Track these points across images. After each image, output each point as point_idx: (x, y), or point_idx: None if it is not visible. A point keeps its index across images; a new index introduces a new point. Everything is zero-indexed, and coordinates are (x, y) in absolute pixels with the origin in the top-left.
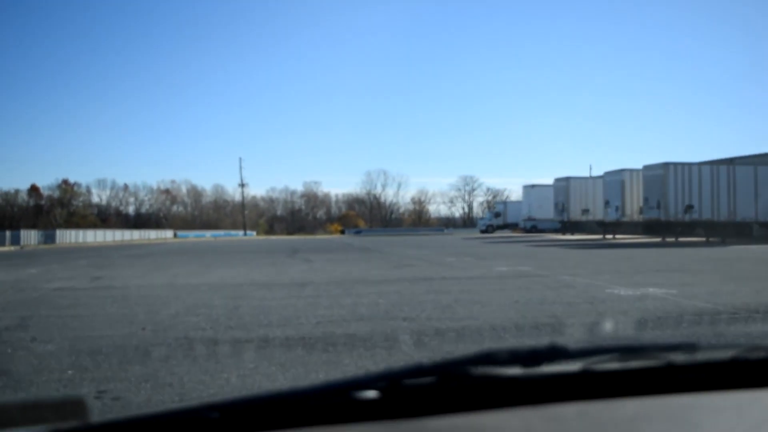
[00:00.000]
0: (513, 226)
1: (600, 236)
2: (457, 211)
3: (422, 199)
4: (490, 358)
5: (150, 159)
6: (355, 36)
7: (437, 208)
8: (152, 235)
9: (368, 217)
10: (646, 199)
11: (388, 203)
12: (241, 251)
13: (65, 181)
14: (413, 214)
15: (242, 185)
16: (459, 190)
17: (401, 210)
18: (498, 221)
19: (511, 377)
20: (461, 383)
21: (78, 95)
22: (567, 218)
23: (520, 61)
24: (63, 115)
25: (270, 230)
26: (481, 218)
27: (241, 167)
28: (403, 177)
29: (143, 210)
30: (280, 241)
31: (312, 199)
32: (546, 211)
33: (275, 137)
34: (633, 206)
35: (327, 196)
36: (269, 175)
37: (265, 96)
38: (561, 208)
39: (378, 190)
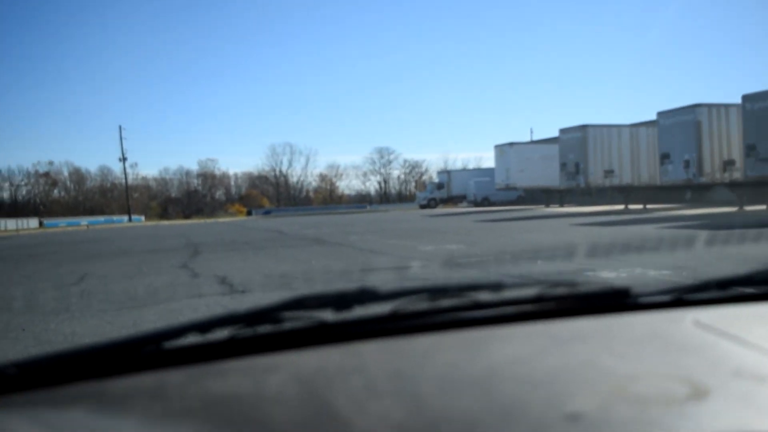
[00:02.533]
0: (458, 200)
1: (640, 206)
2: (372, 185)
3: (333, 174)
4: (300, 303)
5: (25, 140)
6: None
7: (349, 184)
8: (10, 225)
9: (274, 196)
10: (750, 147)
11: (295, 180)
12: (88, 255)
13: None
14: (324, 192)
15: (123, 159)
16: (373, 163)
17: (311, 187)
18: (441, 194)
19: (320, 321)
20: (272, 328)
21: None
22: (584, 183)
23: (435, 30)
24: None
25: (164, 214)
26: (421, 191)
27: (121, 138)
28: (311, 150)
29: (20, 196)
30: (173, 229)
31: (209, 178)
32: (531, 176)
33: (167, 113)
34: (715, 160)
35: (225, 175)
36: (162, 154)
37: (154, 68)
38: (574, 169)
39: (284, 166)
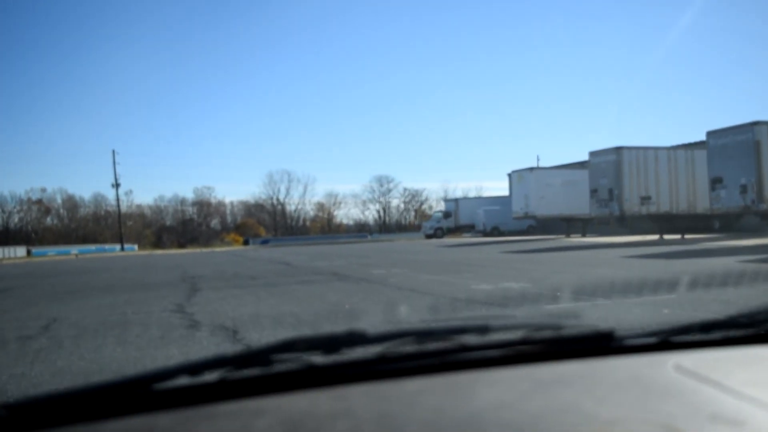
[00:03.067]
0: (466, 229)
1: (677, 236)
2: (371, 214)
3: (331, 202)
4: (290, 345)
5: (17, 165)
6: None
7: (347, 213)
8: None
9: (271, 225)
10: None
11: (293, 209)
12: (68, 291)
13: None
14: (321, 221)
15: (116, 185)
16: (373, 191)
17: (309, 216)
18: (448, 223)
19: (309, 364)
20: (262, 371)
21: None
22: (618, 210)
23: (436, 58)
24: None
25: (158, 243)
26: (427, 221)
27: (114, 163)
28: (309, 178)
29: (12, 224)
30: (167, 259)
31: (205, 206)
32: (552, 203)
33: (163, 140)
34: None
35: (221, 203)
36: (158, 182)
37: (150, 94)
38: (607, 195)
39: (282, 194)
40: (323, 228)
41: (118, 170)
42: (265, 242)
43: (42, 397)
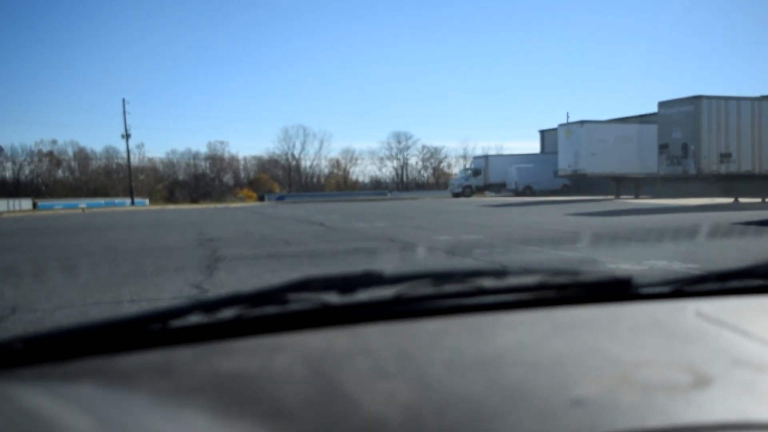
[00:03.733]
0: (496, 188)
1: (753, 200)
2: (388, 172)
3: (347, 159)
4: (305, 285)
5: (28, 117)
6: None
7: (364, 170)
8: (0, 206)
9: (285, 181)
10: None
11: (308, 165)
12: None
13: None
14: (337, 177)
15: (126, 135)
16: (390, 148)
17: (324, 172)
18: (477, 181)
19: (325, 303)
20: (278, 309)
21: None
22: (694, 169)
23: (458, 14)
24: None
25: (170, 197)
26: (455, 178)
27: (125, 112)
28: (326, 134)
29: (22, 176)
30: (180, 216)
31: (218, 161)
32: (605, 161)
33: (177, 94)
34: None
35: (234, 158)
36: (171, 136)
37: (164, 47)
38: (681, 152)
39: (297, 150)
40: (338, 185)
41: (128, 121)
42: (281, 198)
43: (58, 330)
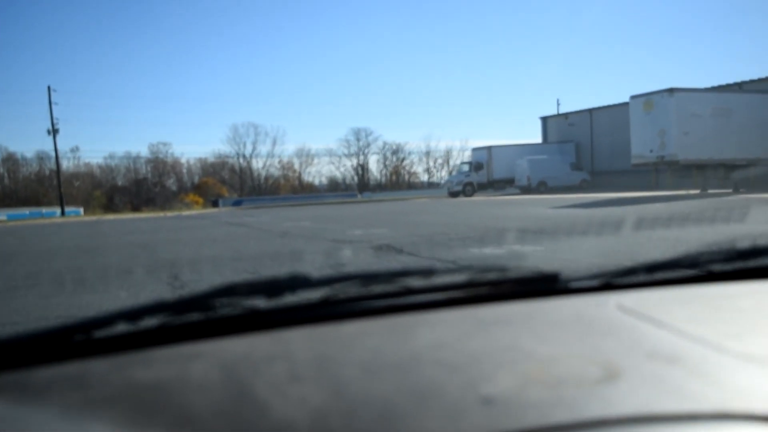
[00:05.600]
0: (501, 185)
1: None
2: (348, 172)
3: (303, 159)
4: (231, 290)
5: None
6: None
7: (319, 170)
8: None
9: (235, 184)
10: None
11: (260, 166)
12: None
13: None
14: (292, 179)
15: (53, 131)
16: (349, 145)
17: (277, 174)
18: (479, 177)
19: (251, 308)
20: (203, 316)
21: None
22: None
23: (417, 7)
24: None
25: (109, 205)
26: (453, 175)
27: (51, 102)
28: (279, 131)
29: None
30: (121, 229)
31: (160, 165)
32: (702, 143)
33: (114, 92)
34: None
35: (177, 162)
36: (108, 140)
37: (100, 40)
38: None
39: (248, 150)
40: (294, 188)
41: (58, 118)
42: (238, 203)
43: None
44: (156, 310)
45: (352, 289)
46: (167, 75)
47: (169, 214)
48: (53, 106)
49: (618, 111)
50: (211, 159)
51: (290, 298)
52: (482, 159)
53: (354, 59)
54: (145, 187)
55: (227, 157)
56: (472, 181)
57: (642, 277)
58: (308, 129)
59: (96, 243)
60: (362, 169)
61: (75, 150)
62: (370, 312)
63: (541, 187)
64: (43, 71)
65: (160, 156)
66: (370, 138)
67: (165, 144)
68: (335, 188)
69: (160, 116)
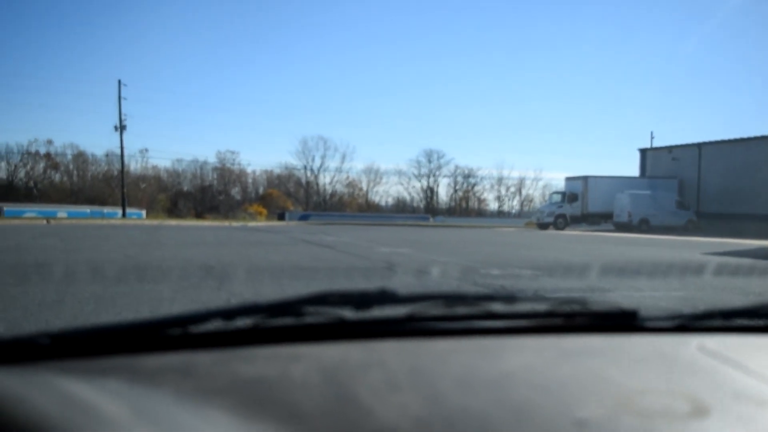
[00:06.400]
0: (595, 219)
1: None
2: (416, 193)
3: (372, 177)
4: (323, 299)
5: (24, 115)
6: None
7: (387, 190)
8: None
9: (301, 197)
10: None
11: (327, 181)
12: None
13: None
14: (359, 196)
15: (121, 127)
16: (420, 166)
17: (344, 190)
18: (573, 209)
19: (340, 317)
20: (294, 321)
21: None
22: None
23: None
24: None
25: (173, 210)
26: (543, 204)
27: (120, 97)
28: (349, 148)
29: (18, 177)
30: (182, 237)
31: (227, 173)
32: None
33: (186, 96)
34: None
35: (243, 172)
36: (178, 143)
37: (175, 45)
38: None
39: (316, 164)
40: (360, 206)
41: (128, 119)
42: (305, 217)
43: (84, 328)
44: (250, 311)
45: (437, 309)
46: (240, 82)
47: (234, 224)
48: (123, 102)
49: (735, 148)
50: (276, 171)
51: (377, 312)
52: (577, 189)
53: (429, 79)
54: (209, 195)
55: (294, 169)
56: (565, 212)
57: (718, 322)
58: (378, 147)
59: (148, 257)
60: (431, 191)
61: (144, 152)
62: (454, 332)
63: (643, 226)
64: (117, 67)
65: (227, 164)
66: (442, 160)
67: (233, 153)
68: (402, 209)
69: (230, 123)
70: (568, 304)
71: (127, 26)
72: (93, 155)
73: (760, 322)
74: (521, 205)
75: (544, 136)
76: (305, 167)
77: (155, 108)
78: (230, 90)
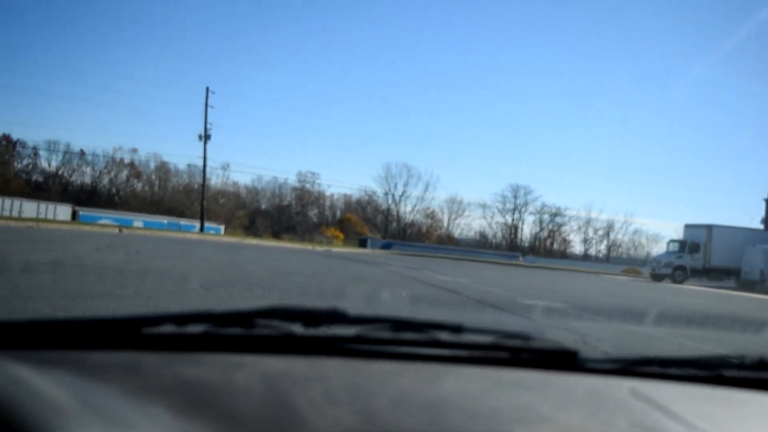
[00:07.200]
0: (719, 274)
1: None
2: (500, 229)
3: (455, 209)
4: (274, 313)
5: (110, 123)
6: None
7: (468, 223)
8: (29, 209)
9: (380, 224)
10: None
11: (408, 209)
12: None
13: (6, 137)
14: (439, 228)
15: (206, 137)
16: (504, 201)
17: (424, 221)
18: (694, 261)
19: (288, 332)
20: (244, 331)
21: (34, 46)
22: None
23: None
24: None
25: (250, 227)
26: (660, 254)
27: (207, 104)
28: (433, 177)
29: (101, 184)
30: (271, 260)
31: (306, 195)
32: None
33: (268, 116)
34: None
35: (321, 194)
36: (258, 158)
37: (260, 63)
38: None
39: (398, 192)
40: (440, 238)
41: (213, 132)
42: (387, 246)
43: (39, 320)
44: (202, 319)
45: (384, 332)
46: (326, 103)
47: (317, 248)
48: (209, 110)
49: None
50: (355, 195)
51: (325, 330)
52: (699, 239)
53: (519, 114)
54: (287, 215)
55: (376, 195)
56: (685, 264)
57: (656, 369)
58: (462, 178)
59: (240, 267)
60: (515, 228)
61: (225, 167)
62: (398, 356)
63: None
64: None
65: (307, 185)
66: (529, 197)
67: (314, 174)
68: (484, 245)
69: (312, 142)
70: (512, 338)
71: (219, 36)
72: (175, 166)
73: (694, 372)
74: (608, 249)
75: (638, 178)
76: (387, 193)
77: (238, 120)
78: (316, 109)
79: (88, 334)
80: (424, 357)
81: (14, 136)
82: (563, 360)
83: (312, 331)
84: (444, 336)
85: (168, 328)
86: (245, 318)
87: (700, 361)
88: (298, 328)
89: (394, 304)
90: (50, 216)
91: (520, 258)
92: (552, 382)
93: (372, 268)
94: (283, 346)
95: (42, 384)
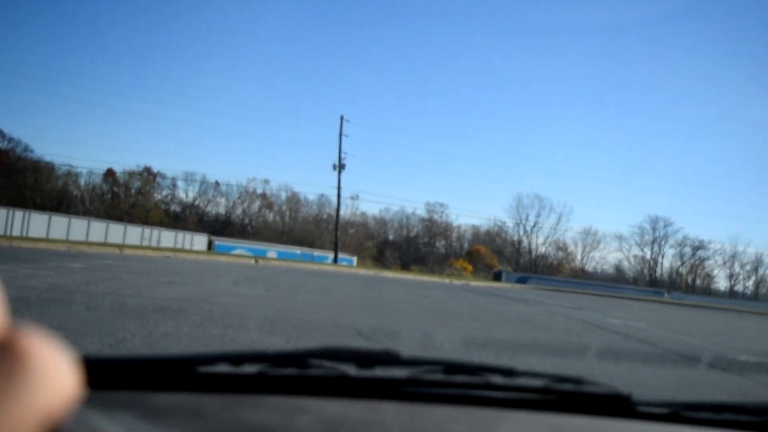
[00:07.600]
0: None
1: None
2: (637, 262)
3: (588, 241)
4: (327, 353)
5: (243, 159)
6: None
7: (602, 256)
8: (167, 239)
9: (511, 256)
10: None
11: (540, 241)
12: None
13: (147, 169)
14: (573, 260)
15: (339, 166)
16: (641, 233)
17: (556, 254)
18: None
19: (342, 373)
20: (298, 372)
21: (173, 79)
22: None
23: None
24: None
25: (379, 258)
26: None
27: (341, 134)
28: (566, 208)
29: (235, 214)
30: (434, 306)
31: (433, 226)
32: None
33: (399, 146)
34: None
35: (449, 226)
36: (385, 187)
37: (391, 100)
38: None
39: (530, 223)
40: (574, 271)
41: (346, 161)
42: (523, 280)
43: (93, 358)
44: (256, 359)
45: (437, 375)
46: (456, 132)
47: (454, 281)
48: (343, 139)
49: None
50: (484, 226)
51: (379, 371)
52: None
53: (657, 143)
54: (414, 246)
55: (504, 225)
56: None
57: (709, 415)
58: (596, 208)
59: (394, 343)
60: (653, 262)
61: (355, 198)
62: (451, 399)
63: None
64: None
65: (435, 216)
66: (669, 229)
67: (442, 205)
68: (619, 279)
69: (440, 172)
70: (564, 382)
71: (351, 66)
72: (305, 196)
73: (746, 418)
74: (756, 286)
75: None
76: (518, 224)
77: (367, 148)
78: (444, 139)
79: (146, 374)
80: (476, 400)
81: (154, 168)
82: (616, 404)
83: (365, 373)
84: (496, 379)
85: (223, 368)
86: (299, 357)
87: (751, 406)
88: (351, 369)
89: (606, 366)
90: (187, 245)
91: (665, 294)
92: (605, 429)
93: (531, 308)
94: (338, 388)
95: (112, 429)
